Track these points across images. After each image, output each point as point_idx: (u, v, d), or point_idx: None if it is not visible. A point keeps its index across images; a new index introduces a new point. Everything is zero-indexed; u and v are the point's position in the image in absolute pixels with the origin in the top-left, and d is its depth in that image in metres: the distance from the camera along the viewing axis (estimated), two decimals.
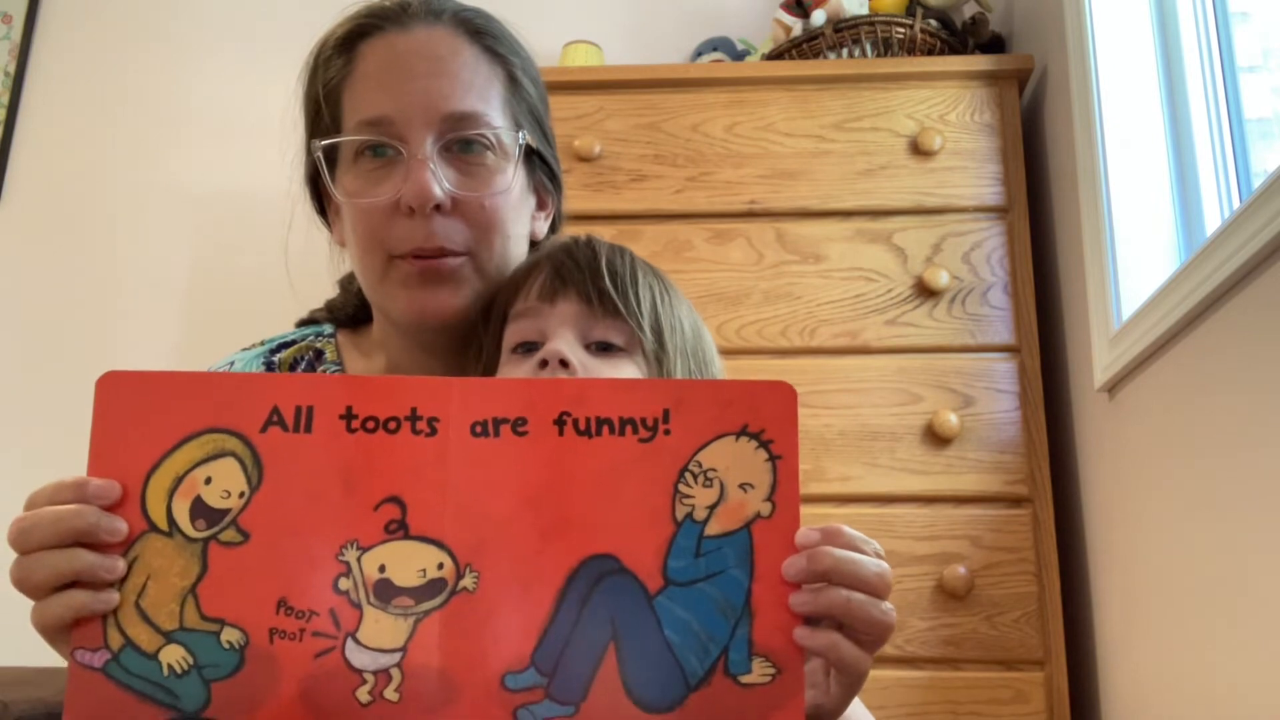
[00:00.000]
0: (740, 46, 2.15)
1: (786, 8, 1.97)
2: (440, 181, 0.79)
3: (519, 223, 0.85)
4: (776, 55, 1.92)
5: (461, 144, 0.81)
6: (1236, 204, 1.33)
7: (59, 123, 2.40)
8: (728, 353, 1.73)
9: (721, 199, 1.77)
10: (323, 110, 0.84)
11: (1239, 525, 1.08)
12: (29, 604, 0.59)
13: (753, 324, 1.71)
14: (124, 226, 2.29)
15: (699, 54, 2.15)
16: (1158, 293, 1.26)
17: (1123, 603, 1.44)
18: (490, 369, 0.78)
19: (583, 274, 0.75)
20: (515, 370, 0.74)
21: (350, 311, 0.96)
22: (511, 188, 0.83)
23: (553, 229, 0.94)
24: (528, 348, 0.75)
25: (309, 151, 0.86)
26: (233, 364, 0.91)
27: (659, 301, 0.77)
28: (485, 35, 0.84)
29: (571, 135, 1.81)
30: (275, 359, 0.91)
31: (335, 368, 0.91)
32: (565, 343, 0.73)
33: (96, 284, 2.28)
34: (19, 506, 0.61)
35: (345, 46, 0.83)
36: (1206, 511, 1.16)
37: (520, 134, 0.84)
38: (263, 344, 0.94)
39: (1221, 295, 1.11)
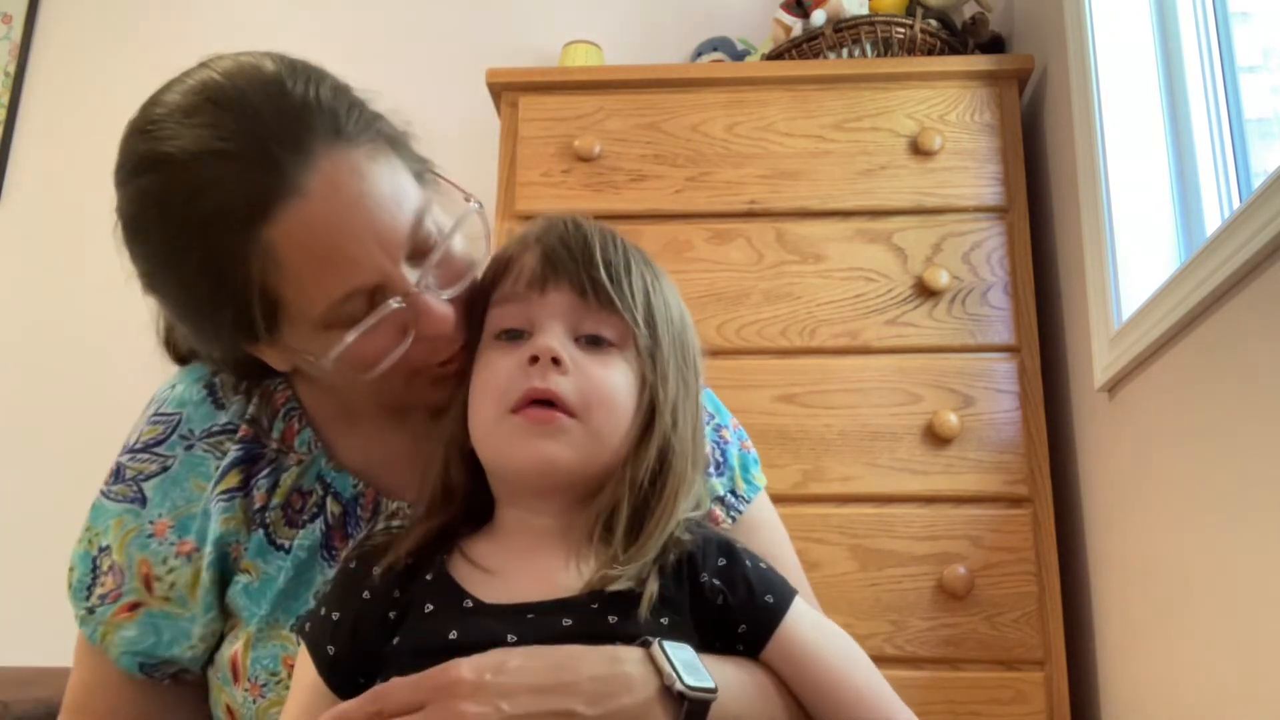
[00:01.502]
0: (740, 46, 2.15)
1: (786, 8, 1.97)
2: (444, 303, 0.75)
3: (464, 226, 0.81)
4: (776, 55, 1.92)
5: (427, 247, 0.76)
6: (1236, 204, 1.33)
7: (59, 123, 2.40)
8: (728, 353, 1.74)
9: (721, 199, 1.77)
10: (249, 307, 0.72)
11: (1239, 525, 1.08)
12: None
13: (753, 324, 1.71)
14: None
15: (699, 54, 2.15)
16: (1158, 293, 1.26)
17: (1122, 603, 1.44)
18: (471, 352, 0.76)
19: (575, 263, 0.72)
20: (500, 359, 0.71)
21: (239, 368, 0.86)
22: (462, 235, 0.79)
23: None
24: (512, 334, 0.72)
25: (220, 336, 0.77)
26: (175, 386, 0.88)
27: (651, 291, 0.74)
28: (343, 122, 0.73)
29: (571, 135, 1.81)
30: (216, 378, 0.87)
31: (280, 380, 0.87)
32: (555, 337, 0.70)
33: (96, 284, 2.28)
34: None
35: (244, 240, 0.70)
36: (1206, 511, 1.16)
37: (470, 201, 0.80)
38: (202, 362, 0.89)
39: (1221, 295, 1.11)
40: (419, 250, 0.75)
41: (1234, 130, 1.37)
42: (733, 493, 0.92)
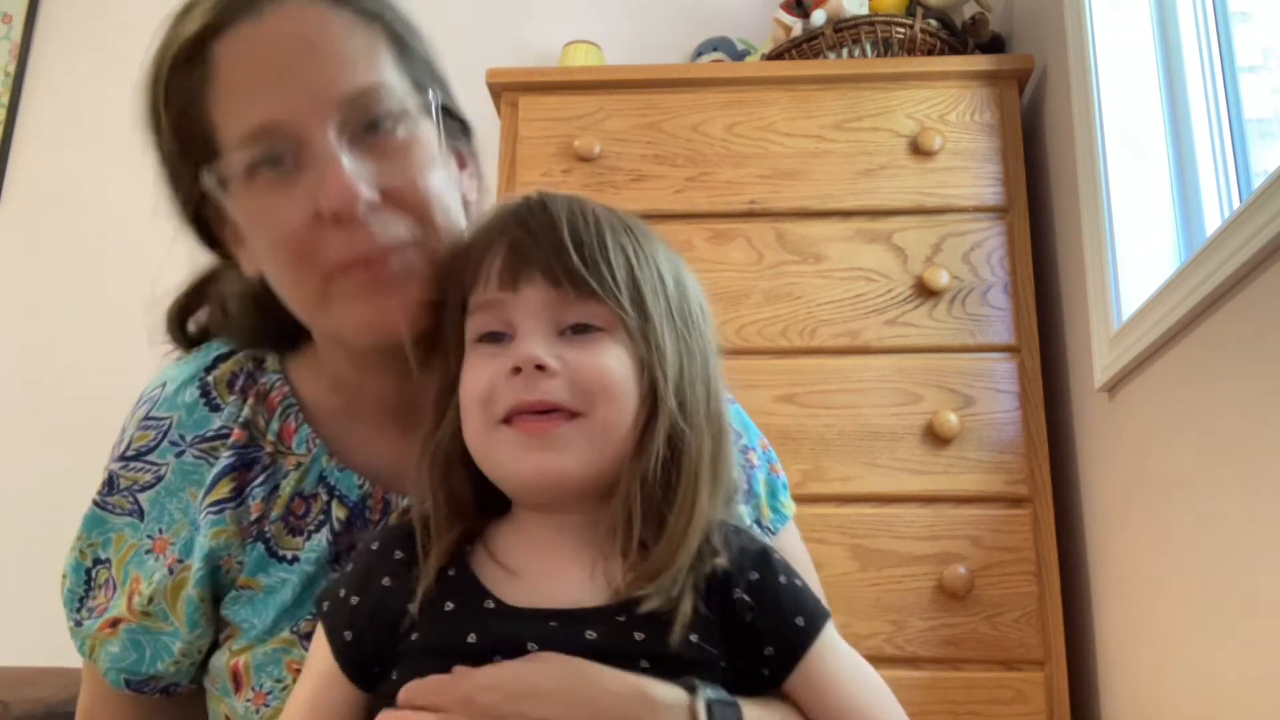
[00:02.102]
0: (740, 46, 2.15)
1: (786, 8, 1.97)
2: (360, 175, 0.68)
3: (453, 191, 0.76)
4: (776, 55, 1.92)
5: (367, 126, 0.70)
6: (1236, 204, 1.33)
7: (59, 123, 2.40)
8: (727, 353, 1.72)
9: (721, 199, 1.77)
10: (190, 133, 0.72)
11: (1239, 525, 1.08)
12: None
13: (753, 324, 1.71)
14: (123, 227, 2.29)
15: (699, 54, 2.15)
16: (1158, 293, 1.26)
17: (1123, 603, 1.44)
18: (456, 365, 0.69)
19: (544, 251, 0.65)
20: (485, 366, 0.66)
21: (259, 332, 0.83)
22: (436, 158, 0.73)
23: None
24: (494, 336, 0.67)
25: (182, 185, 0.76)
26: (164, 385, 0.83)
27: (634, 263, 0.67)
28: None
29: (571, 135, 1.81)
30: (210, 376, 0.82)
31: (277, 377, 0.83)
32: (537, 340, 0.64)
33: (96, 284, 2.28)
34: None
35: (193, 54, 0.71)
36: (1206, 511, 1.16)
37: (432, 92, 0.74)
38: (195, 356, 0.85)
39: (1221, 295, 1.11)
40: (357, 124, 0.70)
41: (1234, 130, 1.37)
42: (757, 523, 0.86)
